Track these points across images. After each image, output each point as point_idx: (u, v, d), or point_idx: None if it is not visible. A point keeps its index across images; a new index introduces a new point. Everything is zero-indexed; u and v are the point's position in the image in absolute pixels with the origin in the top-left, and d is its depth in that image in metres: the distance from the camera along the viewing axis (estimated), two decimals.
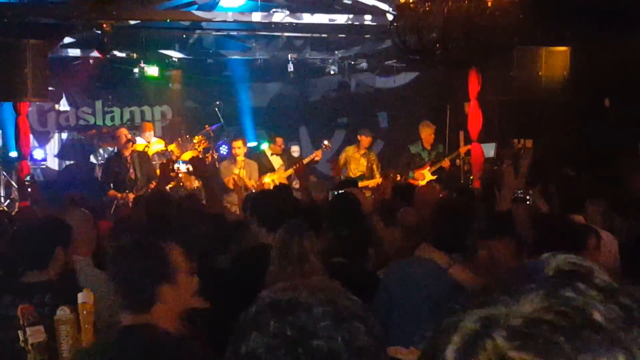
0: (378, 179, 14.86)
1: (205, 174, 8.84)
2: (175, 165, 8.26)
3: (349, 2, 15.39)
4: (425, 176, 14.68)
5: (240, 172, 14.36)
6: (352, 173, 15.36)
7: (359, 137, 15.79)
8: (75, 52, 17.61)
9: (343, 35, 17.07)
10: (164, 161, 8.74)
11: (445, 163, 14.90)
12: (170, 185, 13.32)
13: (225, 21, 15.09)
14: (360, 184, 13.38)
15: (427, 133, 15.24)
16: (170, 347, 3.64)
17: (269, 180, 14.44)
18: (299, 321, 1.73)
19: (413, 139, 15.61)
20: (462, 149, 15.10)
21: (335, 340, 1.72)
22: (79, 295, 4.37)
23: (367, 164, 15.56)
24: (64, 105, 18.91)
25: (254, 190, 13.22)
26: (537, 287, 1.10)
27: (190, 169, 8.77)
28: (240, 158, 14.56)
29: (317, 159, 15.75)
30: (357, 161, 15.60)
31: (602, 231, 6.58)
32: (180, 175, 14.07)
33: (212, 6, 15.26)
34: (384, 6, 14.61)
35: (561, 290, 1.08)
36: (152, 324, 3.68)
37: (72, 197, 9.27)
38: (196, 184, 14.87)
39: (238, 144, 14.80)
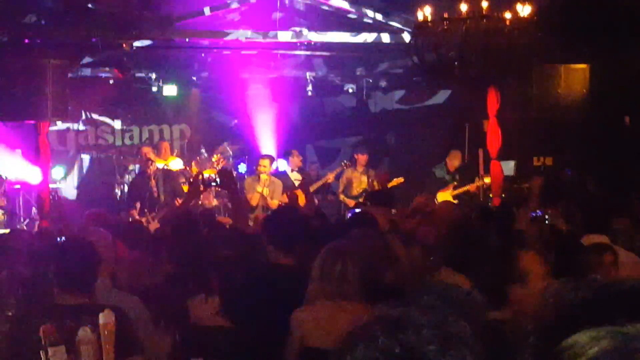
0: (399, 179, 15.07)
1: (234, 187, 8.86)
2: (205, 177, 8.30)
3: (370, 21, 15.41)
4: (446, 198, 14.81)
5: (263, 191, 14.33)
6: (356, 191, 15.52)
7: (355, 155, 16.10)
8: (94, 71, 17.67)
9: (361, 54, 17.07)
10: (194, 175, 8.79)
11: (472, 187, 14.99)
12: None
13: (243, 39, 15.14)
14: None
15: (453, 161, 15.47)
16: None
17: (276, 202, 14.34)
18: (408, 340, 1.70)
19: (434, 158, 15.72)
20: (485, 178, 15.04)
21: None
22: (100, 315, 4.38)
23: (368, 180, 15.76)
24: (83, 125, 18.97)
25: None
26: None
27: (219, 181, 8.72)
28: (265, 176, 14.50)
29: (329, 181, 15.84)
30: (358, 179, 15.90)
31: (625, 252, 6.53)
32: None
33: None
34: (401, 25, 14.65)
35: None
36: None
37: (94, 216, 9.27)
38: (215, 202, 14.89)
39: (265, 162, 14.68)
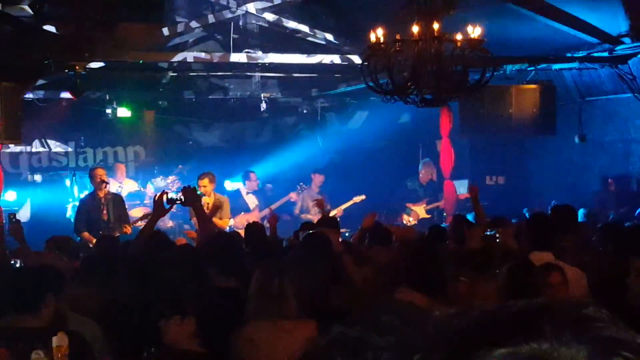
0: (357, 199, 15.18)
1: (199, 204, 8.88)
2: (169, 196, 8.27)
3: (324, 43, 15.49)
4: (418, 213, 14.93)
5: (209, 203, 14.12)
6: (313, 210, 15.57)
7: (312, 175, 16.11)
8: (48, 93, 17.58)
9: (315, 75, 17.14)
10: (158, 195, 8.74)
11: (443, 204, 15.10)
12: (139, 223, 13.30)
13: (197, 61, 15.17)
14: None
15: (427, 173, 15.57)
16: None
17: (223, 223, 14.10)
18: None
19: (392, 177, 15.89)
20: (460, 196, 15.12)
21: None
22: (54, 338, 4.37)
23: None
24: (36, 146, 18.86)
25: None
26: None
27: (183, 199, 8.74)
28: (206, 199, 14.18)
29: (292, 200, 15.85)
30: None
31: (570, 267, 6.64)
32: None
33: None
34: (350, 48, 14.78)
35: None
36: None
37: (56, 241, 9.22)
38: (170, 223, 14.85)
39: (204, 182, 14.07)
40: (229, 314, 5.60)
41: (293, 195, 16.01)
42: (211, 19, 15.55)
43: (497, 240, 7.44)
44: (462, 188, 15.02)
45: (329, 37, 15.51)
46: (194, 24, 15.46)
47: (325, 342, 1.71)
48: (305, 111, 19.60)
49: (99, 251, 8.71)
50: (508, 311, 1.11)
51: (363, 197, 15.75)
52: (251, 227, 9.68)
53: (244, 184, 16.12)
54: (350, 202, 15.66)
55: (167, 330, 5.10)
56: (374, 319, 1.77)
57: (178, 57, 14.69)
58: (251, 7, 15.46)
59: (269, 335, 5.02)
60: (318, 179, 16.12)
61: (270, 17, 15.55)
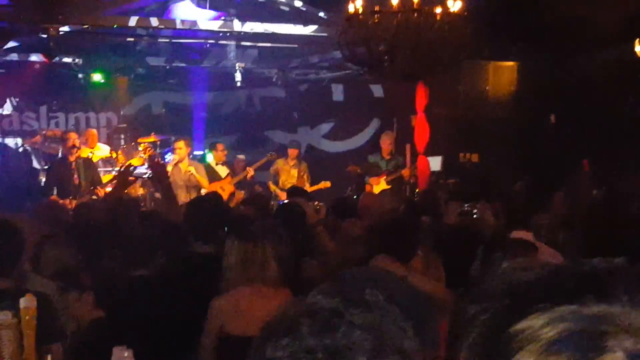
0: (326, 183, 15.07)
1: (166, 179, 8.79)
2: (136, 171, 8.19)
3: (301, 13, 15.37)
4: (380, 184, 14.78)
5: (193, 170, 14.06)
6: (283, 184, 15.50)
7: (288, 149, 15.99)
8: (20, 56, 17.37)
9: (292, 45, 17.02)
10: (123, 166, 8.62)
11: (406, 172, 14.92)
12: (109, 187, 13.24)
13: (174, 28, 15.02)
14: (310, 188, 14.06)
15: (386, 143, 15.34)
16: None
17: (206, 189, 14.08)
18: (335, 344, 1.57)
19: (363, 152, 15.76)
20: (405, 171, 15.03)
21: None
22: (21, 300, 4.30)
23: (298, 174, 15.76)
24: (7, 109, 18.65)
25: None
26: None
27: (150, 173, 8.68)
28: (185, 160, 14.18)
29: (249, 175, 15.68)
30: (287, 172, 15.84)
31: (543, 245, 6.61)
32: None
33: (159, 14, 15.15)
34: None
35: None
36: None
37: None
38: (141, 191, 14.72)
39: (179, 144, 14.27)
40: (201, 280, 5.55)
41: (250, 171, 15.77)
42: None
43: (474, 216, 7.40)
44: (436, 164, 15.00)
45: (309, 8, 15.38)
46: None
47: (295, 311, 1.65)
48: (279, 82, 19.46)
49: (75, 218, 8.59)
50: (579, 269, 1.03)
51: (328, 184, 15.66)
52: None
53: (212, 156, 16.00)
54: (318, 186, 15.60)
55: (71, 306, 5.13)
56: (357, 293, 1.67)
57: (153, 23, 14.55)
58: None
59: (250, 302, 4.98)
60: (293, 153, 16.00)
61: None
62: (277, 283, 5.08)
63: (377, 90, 19.45)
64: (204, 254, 6.06)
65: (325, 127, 20.75)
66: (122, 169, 8.55)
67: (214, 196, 8.56)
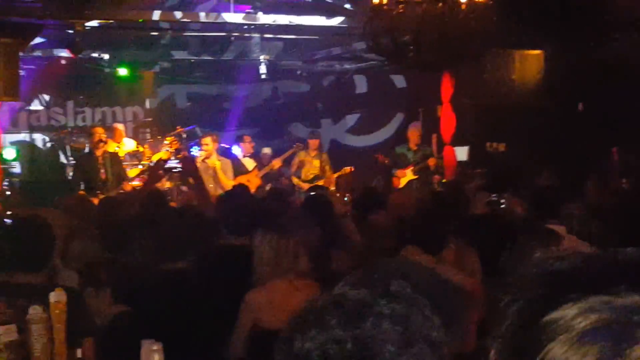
0: (346, 169, 15.30)
1: (197, 173, 8.83)
2: (166, 165, 8.20)
3: (325, 3, 15.34)
4: (406, 175, 14.73)
5: (217, 167, 14.10)
6: (306, 175, 15.49)
7: (308, 141, 15.95)
8: (47, 51, 17.46)
9: (316, 37, 17.01)
10: (156, 161, 8.65)
11: (432, 161, 14.87)
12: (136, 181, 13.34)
13: (198, 22, 15.04)
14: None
15: (414, 134, 15.29)
16: None
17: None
18: (364, 335, 1.58)
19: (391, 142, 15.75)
20: (431, 161, 14.98)
21: None
22: (51, 294, 4.31)
23: (320, 165, 15.71)
24: (35, 105, 18.75)
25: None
26: None
27: (181, 169, 8.73)
28: (213, 156, 14.19)
29: (275, 167, 15.70)
30: (310, 163, 15.78)
31: (568, 235, 6.55)
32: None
33: (183, 7, 15.20)
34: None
35: None
36: None
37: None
38: (167, 184, 14.75)
39: (206, 140, 14.16)
40: (234, 273, 5.55)
41: (277, 162, 15.80)
42: None
43: (502, 206, 7.35)
44: (462, 154, 14.95)
45: None
46: None
47: (322, 303, 1.66)
48: (304, 74, 19.44)
49: (101, 212, 8.62)
50: (612, 258, 1.02)
51: (350, 168, 15.66)
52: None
53: (239, 147, 16.02)
54: (340, 173, 15.61)
55: (90, 303, 5.14)
56: (383, 284, 1.68)
57: (177, 16, 14.58)
58: None
59: (284, 295, 4.97)
60: (314, 144, 15.96)
61: None
62: (308, 276, 5.07)
63: (400, 82, 19.41)
64: (236, 247, 6.06)
65: (349, 121, 20.75)
66: (153, 164, 8.58)
67: (242, 189, 8.57)
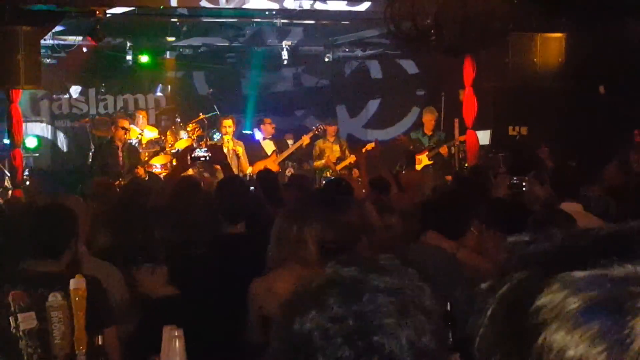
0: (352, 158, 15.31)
1: (225, 160, 8.86)
2: (195, 153, 8.22)
3: None
4: (422, 161, 14.73)
5: (240, 152, 14.22)
6: (328, 159, 15.49)
7: (325, 127, 15.97)
8: (68, 40, 17.48)
9: (338, 23, 16.97)
10: (182, 149, 8.74)
11: (443, 149, 14.92)
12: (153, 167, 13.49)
13: (219, 8, 15.03)
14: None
15: (429, 119, 15.35)
16: None
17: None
18: (363, 311, 1.61)
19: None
20: (459, 138, 15.06)
21: (398, 340, 1.60)
22: (71, 281, 4.31)
23: (340, 149, 15.80)
24: (57, 93, 18.80)
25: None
26: None
27: (209, 157, 8.73)
28: (228, 137, 14.38)
29: (305, 143, 15.72)
30: (330, 149, 15.83)
31: (592, 217, 6.53)
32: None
33: None
34: None
35: None
36: None
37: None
38: (190, 171, 14.78)
39: (228, 122, 14.50)
40: (237, 260, 5.58)
41: (306, 139, 15.80)
42: None
43: (524, 188, 7.33)
44: (485, 138, 14.91)
45: None
46: None
47: (317, 283, 1.69)
48: (326, 59, 19.40)
49: (124, 198, 8.62)
50: (597, 233, 0.99)
51: (372, 144, 15.65)
52: (262, 174, 9.52)
53: (260, 130, 16.08)
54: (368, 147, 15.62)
55: (140, 281, 5.10)
56: (371, 259, 1.76)
57: (197, 3, 14.58)
58: None
59: (285, 283, 4.95)
60: (332, 130, 15.98)
61: None
62: (315, 264, 5.01)
63: (412, 68, 19.48)
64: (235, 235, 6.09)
65: (366, 116, 20.78)
66: (180, 153, 8.63)
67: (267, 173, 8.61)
